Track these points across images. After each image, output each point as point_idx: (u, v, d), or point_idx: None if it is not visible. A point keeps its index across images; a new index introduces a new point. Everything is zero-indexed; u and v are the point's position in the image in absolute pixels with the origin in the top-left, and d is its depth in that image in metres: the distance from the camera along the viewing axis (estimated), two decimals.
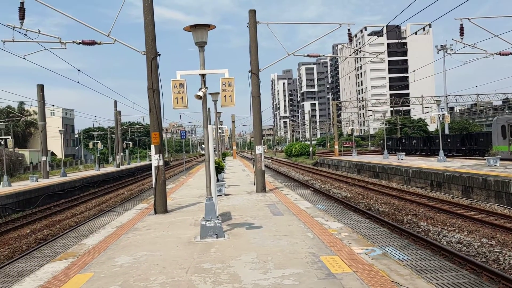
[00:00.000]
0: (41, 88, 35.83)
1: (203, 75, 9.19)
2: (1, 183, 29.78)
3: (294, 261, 7.05)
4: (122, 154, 58.44)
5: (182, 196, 17.63)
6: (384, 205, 18.33)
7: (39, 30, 12.39)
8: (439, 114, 33.37)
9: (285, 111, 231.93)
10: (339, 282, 5.92)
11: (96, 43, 13.06)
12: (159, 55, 13.15)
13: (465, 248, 11.19)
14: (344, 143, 70.56)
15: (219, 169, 17.08)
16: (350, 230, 9.45)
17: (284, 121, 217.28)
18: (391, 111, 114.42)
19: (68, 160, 75.30)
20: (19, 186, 29.39)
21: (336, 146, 59.27)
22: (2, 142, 30.86)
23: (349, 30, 18.16)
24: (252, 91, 17.00)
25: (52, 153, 79.92)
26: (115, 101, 53.52)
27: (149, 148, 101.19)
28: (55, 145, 74.23)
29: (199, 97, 9.04)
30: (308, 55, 18.57)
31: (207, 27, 9.13)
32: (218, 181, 17.51)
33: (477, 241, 11.64)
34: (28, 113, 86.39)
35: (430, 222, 14.42)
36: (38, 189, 27.44)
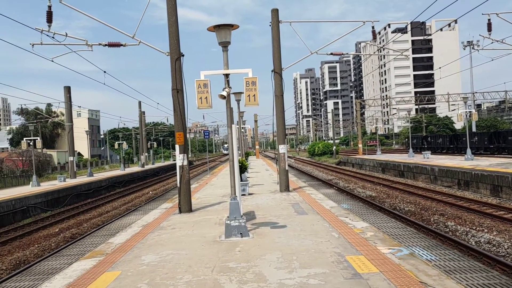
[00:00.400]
0: (68, 89, 36.57)
1: (226, 75, 9.22)
2: (31, 183, 30.52)
3: (320, 261, 7.01)
4: (146, 154, 59.17)
5: (206, 196, 17.73)
6: (410, 204, 18.05)
7: (66, 33, 12.67)
8: (466, 112, 32.68)
9: (308, 110, 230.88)
10: (366, 282, 5.85)
11: (122, 45, 13.25)
12: (183, 55, 13.25)
13: (494, 248, 10.93)
14: (368, 142, 69.84)
15: (243, 168, 17.12)
16: (376, 230, 9.34)
17: (306, 120, 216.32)
18: (416, 109, 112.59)
19: (94, 160, 76.66)
20: (47, 186, 30.06)
21: (360, 145, 58.68)
22: (31, 143, 31.63)
23: (373, 27, 17.94)
24: (275, 90, 16.97)
25: (79, 154, 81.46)
26: (139, 102, 54.21)
27: (173, 148, 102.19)
28: (82, 145, 75.66)
29: (223, 97, 9.08)
30: (331, 53, 18.42)
31: (230, 27, 9.15)
32: (241, 180, 17.55)
33: (507, 241, 11.35)
34: (55, 114, 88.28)
35: (457, 222, 14.14)
36: (65, 189, 28.03)
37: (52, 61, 14.92)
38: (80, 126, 70.66)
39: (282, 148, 17.25)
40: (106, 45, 13.28)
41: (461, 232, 12.72)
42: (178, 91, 13.12)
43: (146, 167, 54.48)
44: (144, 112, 56.84)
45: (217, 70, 9.48)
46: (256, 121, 67.06)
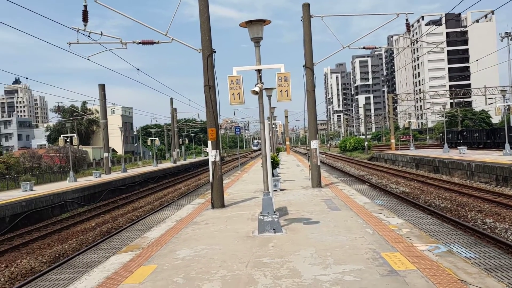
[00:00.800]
0: (102, 87, 37.40)
1: (259, 71, 9.22)
2: (68, 178, 31.44)
3: (354, 257, 6.93)
4: (178, 150, 59.94)
5: (238, 191, 17.82)
6: (445, 200, 17.63)
7: (101, 32, 12.94)
8: (504, 105, 31.61)
9: (339, 105, 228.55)
10: (403, 279, 5.75)
11: (155, 42, 13.44)
12: (215, 52, 13.32)
13: None
14: (401, 137, 68.54)
15: (274, 164, 17.11)
16: (411, 226, 9.16)
17: (337, 116, 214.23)
18: (451, 103, 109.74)
19: (128, 156, 78.20)
20: (83, 181, 30.89)
21: (393, 140, 57.70)
22: (68, 140, 32.53)
23: (407, 20, 17.55)
24: (306, 85, 16.85)
25: (113, 150, 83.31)
26: (171, 99, 54.93)
27: (204, 144, 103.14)
28: (116, 142, 77.40)
29: (255, 93, 9.08)
30: (363, 47, 18.14)
31: (262, 22, 9.14)
32: (273, 176, 17.55)
33: None
34: (90, 111, 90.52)
35: (496, 219, 13.71)
36: (101, 184, 28.73)
37: (88, 59, 15.31)
38: (114, 123, 72.26)
39: (314, 144, 17.14)
40: (139, 43, 13.49)
41: (500, 230, 12.34)
42: (210, 88, 13.21)
43: (178, 163, 55.20)
44: (175, 109, 57.56)
45: (248, 66, 9.49)
46: (286, 116, 66.89)
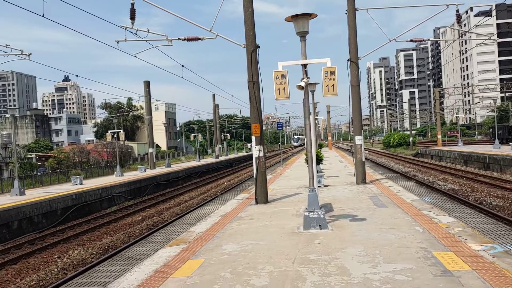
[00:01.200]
0: (147, 84, 38.25)
1: (304, 65, 9.11)
2: (115, 173, 32.41)
3: (404, 256, 6.74)
4: (220, 145, 60.56)
5: (281, 187, 17.78)
6: (497, 198, 16.90)
7: (148, 29, 13.20)
8: None
9: (382, 100, 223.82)
10: (457, 280, 5.53)
11: (199, 39, 13.57)
12: (259, 47, 13.30)
13: None
14: (448, 133, 66.31)
15: (318, 160, 16.94)
16: (464, 225, 8.82)
17: (380, 111, 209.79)
18: (502, 97, 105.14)
19: (171, 151, 79.77)
20: (130, 176, 31.75)
21: (439, 136, 55.92)
22: (115, 135, 33.51)
23: (457, 11, 16.88)
24: (351, 80, 16.56)
25: (157, 145, 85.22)
26: (213, 95, 55.50)
27: (246, 140, 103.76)
28: (159, 137, 78.99)
29: (301, 88, 8.98)
30: (411, 40, 17.61)
31: (308, 16, 9.02)
32: (317, 172, 17.38)
33: None
34: (135, 108, 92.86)
35: None
36: (146, 179, 29.42)
37: (135, 56, 15.66)
38: (158, 119, 73.80)
39: (359, 139, 16.84)
40: (185, 39, 13.66)
41: None
42: (254, 83, 13.21)
43: (220, 158, 55.77)
44: (218, 105, 58.11)
45: (293, 60, 9.40)
46: (328, 112, 66.17)
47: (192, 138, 59.65)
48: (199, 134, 59.87)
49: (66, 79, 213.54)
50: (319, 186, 16.78)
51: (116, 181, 27.44)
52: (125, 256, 9.44)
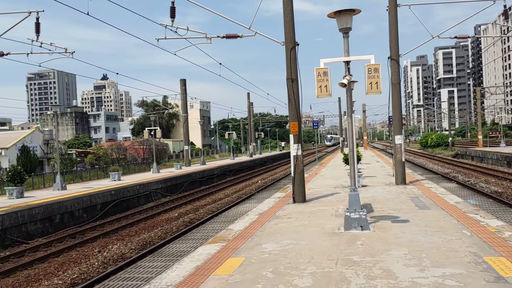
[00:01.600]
0: (183, 82, 38.67)
1: (347, 62, 8.92)
2: (151, 169, 32.92)
3: (453, 260, 6.47)
4: (254, 144, 60.62)
5: (318, 186, 17.56)
6: None
7: (187, 27, 13.28)
8: None
9: (419, 100, 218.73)
10: None
11: (238, 36, 13.55)
12: (298, 44, 13.15)
13: None
14: (489, 133, 64.10)
15: (357, 159, 16.61)
16: None
17: (417, 110, 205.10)
18: None
19: (205, 149, 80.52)
20: (166, 172, 32.18)
21: (480, 136, 54.09)
22: (152, 133, 34.04)
23: (505, 6, 16.21)
24: (391, 78, 16.17)
25: (191, 143, 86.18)
26: (248, 93, 55.59)
27: (280, 139, 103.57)
28: (194, 135, 79.85)
29: (343, 85, 8.81)
30: (455, 37, 17.05)
31: (352, 12, 8.82)
32: None
33: None
34: (170, 106, 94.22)
35: None
36: (182, 176, 29.74)
37: (175, 54, 15.80)
38: (193, 117, 74.59)
39: (399, 139, 16.43)
40: (224, 37, 13.66)
41: None
42: (293, 81, 13.07)
43: (254, 156, 55.83)
44: (252, 103, 58.17)
45: (335, 57, 9.22)
46: (364, 111, 65.14)
47: (226, 136, 59.98)
48: (234, 132, 60.13)
49: (105, 77, 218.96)
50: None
51: (152, 177, 27.85)
52: (165, 252, 9.52)
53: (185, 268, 6.92)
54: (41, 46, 14.12)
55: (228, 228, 10.03)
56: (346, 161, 16.75)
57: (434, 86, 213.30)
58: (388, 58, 16.28)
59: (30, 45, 13.78)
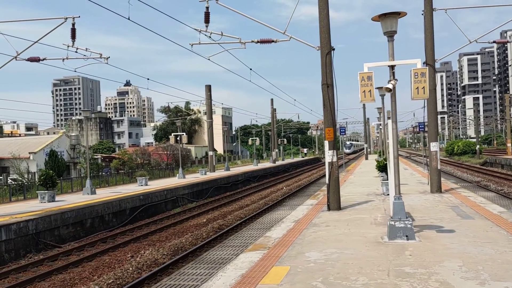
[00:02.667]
0: (208, 88, 38.78)
1: (392, 67, 8.68)
2: (177, 175, 33.00)
3: None
4: (276, 150, 60.40)
5: (349, 194, 17.25)
6: None
7: (221, 32, 13.22)
8: None
9: (443, 107, 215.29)
10: None
11: (273, 41, 13.43)
12: (333, 49, 12.96)
13: None
14: None
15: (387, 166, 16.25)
16: None
17: (441, 117, 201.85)
18: None
19: (227, 155, 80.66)
20: (191, 178, 32.20)
21: (509, 144, 52.80)
22: (178, 138, 34.16)
23: None
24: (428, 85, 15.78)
25: (213, 149, 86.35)
26: (272, 99, 55.55)
27: (302, 145, 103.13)
28: (216, 141, 79.85)
29: (388, 90, 8.57)
30: (494, 42, 16.59)
31: (397, 15, 8.60)
32: (386, 179, 16.73)
33: None
34: (193, 111, 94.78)
35: None
36: (208, 182, 29.70)
37: (209, 59, 15.77)
38: (215, 123, 74.83)
39: (434, 146, 16.03)
40: (258, 42, 13.55)
41: None
42: (328, 86, 12.87)
43: (277, 163, 55.58)
44: (275, 109, 58.04)
45: (377, 62, 8.99)
46: (389, 118, 64.10)
47: (250, 142, 59.90)
48: (257, 138, 60.05)
49: (128, 83, 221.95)
50: (388, 194, 16.14)
51: (179, 183, 27.88)
52: (207, 259, 9.39)
53: (230, 276, 6.76)
54: (76, 52, 14.27)
55: (266, 235, 9.84)
56: (379, 168, 16.41)
57: (459, 93, 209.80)
58: (424, 63, 15.92)
59: (66, 50, 13.93)
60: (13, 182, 29.16)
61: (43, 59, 14.54)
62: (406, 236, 8.44)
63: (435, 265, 6.72)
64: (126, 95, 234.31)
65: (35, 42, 13.70)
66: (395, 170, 8.89)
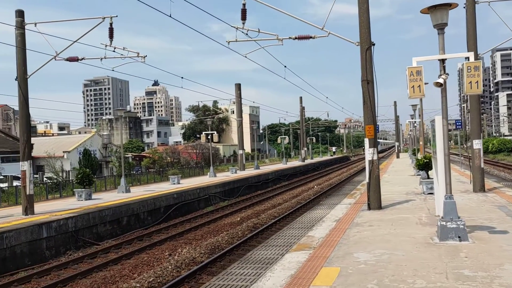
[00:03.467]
0: (238, 87, 38.74)
1: (442, 60, 8.34)
2: (208, 173, 33.08)
3: None
4: (305, 148, 59.98)
5: (388, 192, 16.84)
6: None
7: (258, 29, 13.05)
8: None
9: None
10: None
11: (311, 37, 13.19)
12: (374, 44, 12.63)
13: None
14: None
15: (430, 165, 15.79)
16: None
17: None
18: None
19: (255, 154, 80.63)
20: (222, 177, 32.22)
21: None
22: (209, 137, 34.25)
23: None
24: None
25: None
26: (300, 97, 55.11)
27: (330, 144, 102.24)
28: (244, 139, 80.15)
29: (439, 85, 8.23)
30: None
31: (448, 6, 8.24)
32: (427, 178, 16.28)
33: None
34: (220, 110, 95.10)
35: None
36: (239, 180, 29.64)
37: (245, 57, 15.66)
38: (243, 122, 74.88)
39: (477, 144, 15.48)
40: (296, 38, 13.34)
41: None
42: (368, 82, 12.55)
43: (306, 161, 55.18)
44: (304, 108, 57.62)
45: (426, 56, 8.66)
46: (420, 114, 62.81)
47: (279, 141, 59.66)
48: (286, 136, 59.75)
49: (156, 83, 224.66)
50: (431, 193, 15.69)
51: (210, 181, 27.91)
52: (252, 259, 9.26)
53: (279, 277, 6.59)
54: (114, 51, 14.36)
55: (308, 234, 9.64)
56: (419, 166, 15.96)
57: (492, 89, 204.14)
58: (466, 58, 15.36)
59: (103, 50, 14.05)
60: (49, 181, 29.79)
61: (82, 59, 14.70)
62: (459, 237, 8.10)
63: (495, 268, 6.39)
64: (154, 95, 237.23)
65: (74, 42, 13.86)
66: (446, 168, 8.54)
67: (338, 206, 14.16)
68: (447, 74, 8.30)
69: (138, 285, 10.22)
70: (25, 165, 14.89)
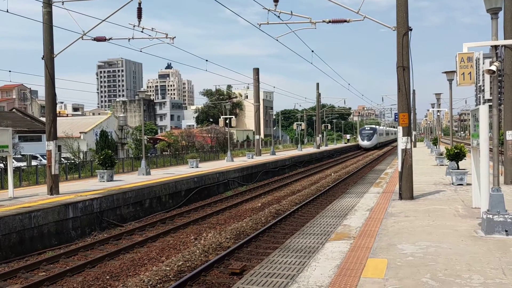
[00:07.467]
0: (256, 71, 38.33)
1: (495, 47, 7.97)
2: (225, 158, 32.95)
3: None
4: (320, 135, 59.57)
5: (415, 182, 16.46)
6: None
7: (291, 12, 12.69)
8: None
9: (491, 94, 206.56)
10: None
11: (346, 21, 12.80)
12: (411, 29, 12.22)
13: None
14: None
15: (461, 155, 15.43)
16: None
17: (489, 105, 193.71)
18: None
19: (268, 139, 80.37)
20: (239, 162, 32.06)
21: None
22: (227, 121, 34.04)
23: None
24: (504, 68, 14.81)
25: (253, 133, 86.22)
26: (317, 84, 54.53)
27: (343, 131, 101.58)
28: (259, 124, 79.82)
29: (491, 72, 7.89)
30: None
31: None
32: (458, 168, 15.92)
33: None
34: (234, 95, 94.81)
35: None
36: (257, 166, 29.46)
37: (277, 40, 15.31)
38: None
39: (510, 135, 15.05)
40: (329, 21, 12.96)
41: None
42: (404, 69, 12.18)
43: (321, 148, 54.83)
44: (320, 94, 57.08)
45: (480, 42, 8.28)
46: (439, 105, 61.88)
47: (295, 127, 59.28)
48: (302, 123, 59.36)
49: (169, 66, 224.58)
50: (460, 184, 15.37)
51: (228, 166, 27.78)
52: (291, 247, 9.07)
53: (325, 267, 6.38)
54: (142, 31, 14.09)
55: (343, 223, 9.42)
56: (449, 156, 15.59)
57: None
58: (502, 46, 14.86)
59: (131, 30, 13.78)
60: (66, 161, 29.88)
61: (109, 39, 14.47)
62: (506, 231, 7.82)
63: None
64: (167, 78, 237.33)
65: (103, 21, 13.61)
66: (494, 160, 8.22)
67: (366, 195, 13.91)
68: (500, 61, 7.93)
69: (168, 268, 10.11)
70: (50, 145, 14.81)
